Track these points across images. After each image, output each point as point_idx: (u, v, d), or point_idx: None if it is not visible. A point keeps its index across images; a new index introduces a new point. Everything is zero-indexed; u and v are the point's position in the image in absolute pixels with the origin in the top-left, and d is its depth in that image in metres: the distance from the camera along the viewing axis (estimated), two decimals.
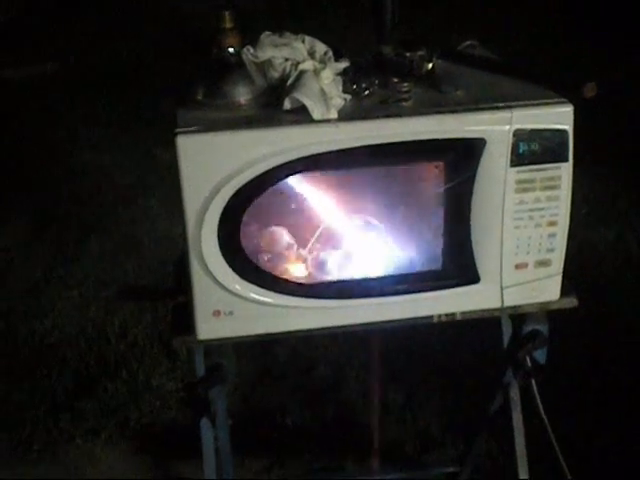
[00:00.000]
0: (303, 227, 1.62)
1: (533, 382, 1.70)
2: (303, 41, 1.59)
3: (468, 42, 1.85)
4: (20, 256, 3.71)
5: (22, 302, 3.40)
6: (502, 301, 1.61)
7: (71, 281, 3.51)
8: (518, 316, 1.70)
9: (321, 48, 1.60)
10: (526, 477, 1.89)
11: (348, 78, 1.58)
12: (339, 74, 1.57)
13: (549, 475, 1.89)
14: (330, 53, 1.60)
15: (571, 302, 1.66)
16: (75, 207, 4.02)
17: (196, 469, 2.57)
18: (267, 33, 1.56)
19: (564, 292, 1.64)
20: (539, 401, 1.71)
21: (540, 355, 1.72)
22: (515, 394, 1.93)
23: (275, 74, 1.52)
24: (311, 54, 1.58)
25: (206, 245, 1.46)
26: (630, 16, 5.30)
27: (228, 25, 1.49)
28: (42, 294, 3.44)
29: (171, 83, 1.69)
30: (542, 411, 1.77)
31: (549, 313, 1.70)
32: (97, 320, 3.25)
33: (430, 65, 1.65)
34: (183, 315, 1.59)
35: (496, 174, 1.50)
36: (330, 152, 1.44)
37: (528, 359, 1.72)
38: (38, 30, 6.03)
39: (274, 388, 2.89)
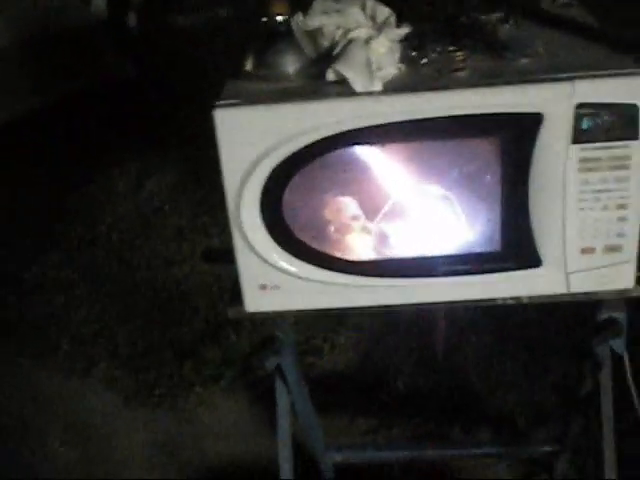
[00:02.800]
0: (353, 201, 1.55)
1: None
2: (364, 5, 1.52)
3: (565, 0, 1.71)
4: (169, 202, 3.85)
5: (166, 249, 3.54)
6: (568, 286, 1.49)
7: (213, 229, 3.61)
8: (594, 303, 1.58)
9: (383, 12, 1.52)
10: (613, 478, 1.76)
11: (409, 45, 1.50)
12: (400, 40, 1.50)
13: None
14: (393, 18, 1.52)
15: None
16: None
17: None
18: None
19: None
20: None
21: (618, 344, 1.59)
22: (606, 380, 1.80)
23: (325, 43, 1.46)
24: (372, 19, 1.51)
25: (247, 219, 1.45)
26: None
27: None
28: (185, 241, 3.56)
29: None
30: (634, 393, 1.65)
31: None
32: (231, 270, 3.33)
33: (506, 28, 1.53)
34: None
35: (556, 152, 1.37)
36: (372, 126, 1.37)
37: (605, 348, 1.59)
38: None
39: (392, 348, 2.86)
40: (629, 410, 1.69)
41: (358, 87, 1.37)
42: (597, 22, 1.60)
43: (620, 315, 1.56)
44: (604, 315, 1.57)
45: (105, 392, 2.85)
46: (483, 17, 1.56)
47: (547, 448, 2.24)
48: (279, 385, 1.83)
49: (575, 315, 2.69)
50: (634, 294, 1.51)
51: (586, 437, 2.09)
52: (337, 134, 1.38)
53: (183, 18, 5.81)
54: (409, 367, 2.77)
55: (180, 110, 4.47)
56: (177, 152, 4.22)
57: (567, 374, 2.58)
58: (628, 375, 1.68)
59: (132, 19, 5.95)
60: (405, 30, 1.50)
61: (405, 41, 1.51)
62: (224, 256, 1.62)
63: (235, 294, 1.59)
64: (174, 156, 4.21)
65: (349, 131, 1.38)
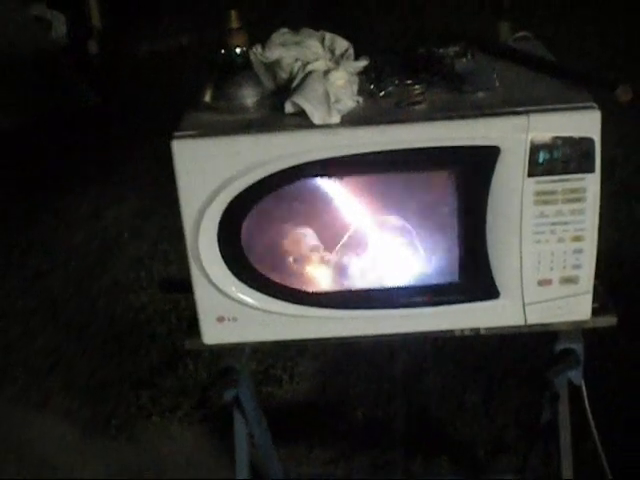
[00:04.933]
0: (311, 232, 1.56)
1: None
2: (323, 38, 1.53)
3: (521, 33, 1.73)
4: (129, 230, 3.81)
5: (125, 276, 3.50)
6: (525, 318, 1.50)
7: (173, 256, 3.58)
8: (551, 334, 1.59)
9: (342, 45, 1.53)
10: None
11: (368, 77, 1.51)
12: (359, 73, 1.50)
13: None
14: (351, 50, 1.53)
15: (608, 321, 1.53)
16: None
17: None
18: (282, 31, 1.51)
19: (599, 310, 1.51)
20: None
21: (575, 376, 1.60)
22: (564, 410, 1.81)
23: (284, 75, 1.47)
24: (331, 51, 1.52)
25: (205, 251, 1.44)
26: None
27: (234, 25, 1.44)
28: (144, 269, 3.53)
29: None
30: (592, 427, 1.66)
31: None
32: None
33: (463, 62, 1.55)
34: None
35: (512, 185, 1.39)
36: (330, 158, 1.38)
37: (562, 379, 1.60)
38: (173, 3, 6.13)
39: (349, 378, 2.85)
40: (588, 439, 1.70)
41: (316, 119, 1.37)
42: (553, 56, 1.62)
43: (577, 346, 1.57)
44: (561, 346, 1.58)
45: (62, 424, 2.80)
46: (440, 50, 1.57)
47: (507, 478, 2.24)
48: (237, 416, 1.81)
49: (535, 345, 2.70)
50: (590, 325, 1.52)
51: (545, 467, 2.10)
52: (295, 166, 1.39)
53: (146, 45, 5.79)
54: (368, 397, 2.76)
55: (141, 137, 4.45)
56: (137, 180, 4.20)
57: (526, 404, 2.59)
58: (586, 406, 1.68)
59: (93, 46, 5.94)
60: (363, 63, 1.51)
61: (363, 74, 1.52)
62: (181, 286, 1.61)
63: (193, 325, 1.58)
64: (134, 183, 4.18)
65: (307, 163, 1.39)
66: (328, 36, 1.53)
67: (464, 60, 1.56)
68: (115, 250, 3.69)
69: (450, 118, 1.37)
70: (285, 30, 1.52)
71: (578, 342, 1.57)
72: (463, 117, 1.36)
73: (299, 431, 2.65)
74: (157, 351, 3.04)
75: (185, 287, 1.55)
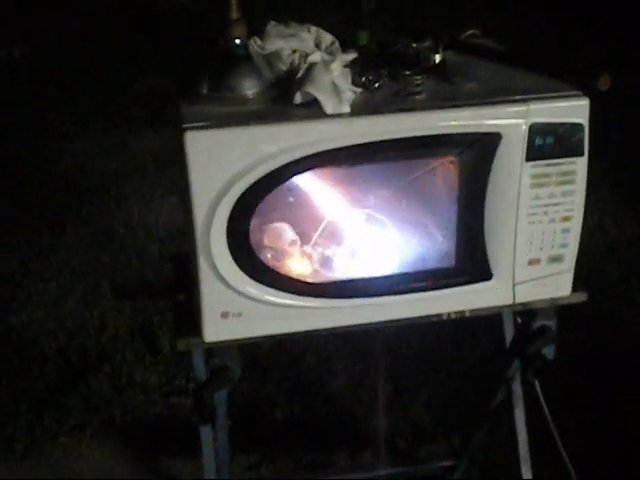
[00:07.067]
0: (308, 223, 1.57)
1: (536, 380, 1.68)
2: (309, 31, 1.54)
3: (470, 32, 1.81)
4: None
5: None
6: (514, 298, 1.58)
7: (47, 273, 3.43)
8: (526, 312, 1.67)
9: (327, 39, 1.55)
10: (529, 477, 1.87)
11: (356, 70, 1.53)
12: (347, 66, 1.53)
13: (553, 473, 1.87)
14: (337, 44, 1.55)
15: (580, 297, 1.63)
16: (48, 197, 3.92)
17: (183, 464, 2.56)
18: (273, 23, 1.51)
19: (574, 287, 1.61)
20: (542, 398, 1.69)
21: (548, 351, 1.70)
22: (518, 390, 1.91)
23: (283, 66, 1.46)
24: (317, 45, 1.53)
25: (215, 246, 1.41)
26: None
27: (235, 15, 1.43)
28: (18, 287, 3.35)
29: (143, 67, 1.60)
30: (545, 408, 1.75)
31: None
32: (76, 313, 3.18)
33: (438, 56, 1.60)
34: (185, 315, 1.55)
35: (511, 169, 1.46)
36: (343, 148, 1.39)
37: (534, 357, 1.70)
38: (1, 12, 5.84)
39: (260, 381, 2.84)
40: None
41: (329, 109, 1.39)
42: (508, 50, 1.71)
43: (552, 323, 1.67)
44: (538, 323, 1.67)
45: None
46: (414, 45, 1.62)
47: (443, 463, 2.32)
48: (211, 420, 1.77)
49: (439, 333, 2.82)
50: (568, 301, 1.62)
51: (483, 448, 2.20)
52: (307, 156, 1.39)
53: None
54: (283, 397, 2.77)
55: None
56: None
57: (435, 392, 2.71)
58: (538, 389, 1.76)
59: None
60: (352, 55, 1.53)
61: (350, 66, 1.54)
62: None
63: (181, 325, 1.54)
64: None
65: (319, 153, 1.39)
66: (313, 29, 1.54)
67: (437, 55, 1.62)
68: None
69: (456, 106, 1.42)
70: (275, 22, 1.51)
71: (553, 319, 1.67)
72: (468, 105, 1.42)
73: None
74: (51, 370, 2.90)
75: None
